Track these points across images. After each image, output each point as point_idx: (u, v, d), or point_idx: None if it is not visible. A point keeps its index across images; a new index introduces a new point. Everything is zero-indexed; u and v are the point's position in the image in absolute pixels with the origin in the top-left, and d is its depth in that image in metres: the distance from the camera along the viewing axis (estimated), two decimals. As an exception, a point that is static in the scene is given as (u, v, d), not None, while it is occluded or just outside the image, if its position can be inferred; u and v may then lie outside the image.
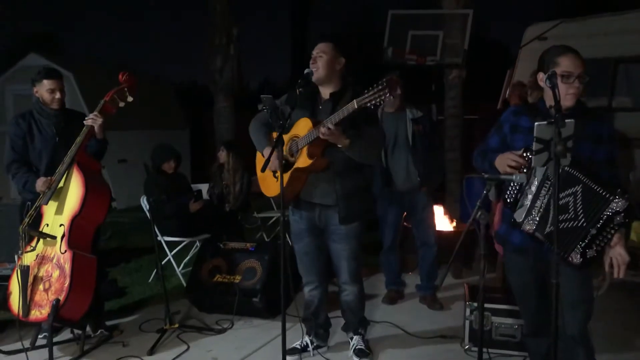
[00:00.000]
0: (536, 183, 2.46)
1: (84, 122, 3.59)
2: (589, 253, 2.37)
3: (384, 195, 4.43)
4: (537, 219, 2.46)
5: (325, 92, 3.26)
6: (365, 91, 2.85)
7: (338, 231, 3.32)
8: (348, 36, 21.25)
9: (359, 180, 3.28)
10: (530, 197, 2.48)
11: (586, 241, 2.35)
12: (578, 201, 2.36)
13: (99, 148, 3.78)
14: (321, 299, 3.58)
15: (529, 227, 2.50)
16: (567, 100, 2.44)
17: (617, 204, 2.27)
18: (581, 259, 2.37)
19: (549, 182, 2.41)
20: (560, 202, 2.36)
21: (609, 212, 2.29)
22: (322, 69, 3.17)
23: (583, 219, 2.34)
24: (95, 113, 3.60)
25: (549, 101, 2.55)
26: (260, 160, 3.40)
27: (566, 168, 2.34)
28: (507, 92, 5.97)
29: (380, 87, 2.81)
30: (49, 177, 3.56)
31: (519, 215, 2.52)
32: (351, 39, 20.99)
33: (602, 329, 3.83)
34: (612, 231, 2.33)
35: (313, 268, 3.50)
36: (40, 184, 3.55)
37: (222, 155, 5.96)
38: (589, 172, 2.37)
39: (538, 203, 2.46)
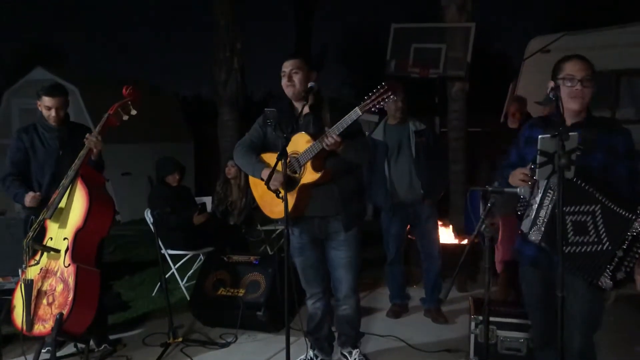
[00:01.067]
0: (539, 192, 2.45)
1: (85, 141, 3.56)
2: (619, 275, 2.34)
3: (388, 207, 4.43)
4: (543, 229, 2.45)
5: (300, 106, 3.20)
6: (365, 97, 2.88)
7: (339, 238, 3.31)
8: (352, 48, 21.41)
9: (353, 183, 3.30)
10: (534, 207, 2.47)
11: (614, 264, 2.32)
12: (599, 223, 2.33)
13: (95, 166, 3.77)
14: (324, 311, 3.55)
15: (534, 237, 2.48)
16: (572, 103, 2.44)
17: None
18: (612, 282, 2.35)
19: (552, 191, 2.40)
20: (575, 218, 2.35)
21: (634, 231, 2.26)
22: (300, 84, 3.17)
23: (607, 242, 2.32)
24: (97, 136, 3.56)
25: (564, 113, 2.55)
26: (256, 184, 3.37)
27: (578, 181, 2.32)
28: (505, 106, 6.00)
29: (381, 89, 2.84)
30: (37, 193, 3.62)
31: (525, 226, 2.52)
32: (354, 51, 21.15)
33: (608, 341, 3.79)
34: (639, 250, 2.30)
35: (316, 280, 3.48)
36: (28, 199, 3.60)
37: (232, 170, 5.94)
38: (601, 185, 2.34)
39: (542, 213, 2.45)
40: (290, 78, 3.18)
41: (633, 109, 6.43)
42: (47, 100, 3.69)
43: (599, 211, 2.33)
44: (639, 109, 6.39)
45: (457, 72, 6.84)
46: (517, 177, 2.51)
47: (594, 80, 2.47)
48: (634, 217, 2.25)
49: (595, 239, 2.34)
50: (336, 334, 3.66)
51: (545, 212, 2.44)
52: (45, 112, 3.72)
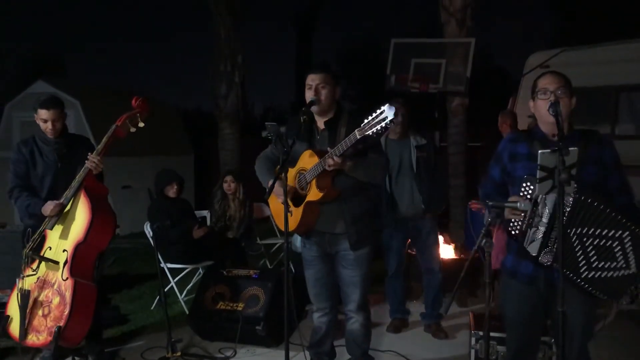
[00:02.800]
0: (547, 212, 2.40)
1: (86, 161, 3.52)
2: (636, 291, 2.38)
3: (389, 222, 4.42)
4: (555, 249, 2.40)
5: (321, 120, 3.23)
6: (365, 120, 2.81)
7: (348, 257, 3.28)
8: (352, 62, 21.51)
9: (365, 203, 3.26)
10: (542, 229, 2.42)
11: (636, 284, 2.36)
12: (628, 250, 2.33)
13: (95, 175, 3.74)
14: (329, 326, 3.52)
15: (546, 259, 2.45)
16: (549, 116, 2.44)
17: None
18: (630, 300, 2.40)
19: (566, 211, 2.36)
20: (598, 242, 2.34)
21: None
22: (325, 100, 3.14)
23: (636, 268, 2.34)
24: (98, 158, 3.53)
25: (544, 127, 2.56)
26: (272, 197, 3.35)
27: (595, 203, 2.31)
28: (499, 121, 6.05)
29: (380, 114, 2.77)
30: (60, 201, 3.51)
31: (534, 249, 2.46)
32: (355, 65, 21.24)
33: (609, 356, 3.77)
34: None
35: (325, 294, 3.45)
36: (50, 207, 3.49)
37: (232, 186, 5.93)
38: (609, 203, 2.34)
39: (554, 234, 2.40)
40: (317, 92, 3.14)
41: (633, 125, 6.45)
42: (43, 113, 3.66)
43: (628, 238, 2.32)
44: (639, 124, 6.41)
45: (457, 87, 6.90)
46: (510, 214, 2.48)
47: (570, 92, 2.50)
48: None
49: (624, 265, 2.35)
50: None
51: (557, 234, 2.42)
52: (42, 125, 3.70)
